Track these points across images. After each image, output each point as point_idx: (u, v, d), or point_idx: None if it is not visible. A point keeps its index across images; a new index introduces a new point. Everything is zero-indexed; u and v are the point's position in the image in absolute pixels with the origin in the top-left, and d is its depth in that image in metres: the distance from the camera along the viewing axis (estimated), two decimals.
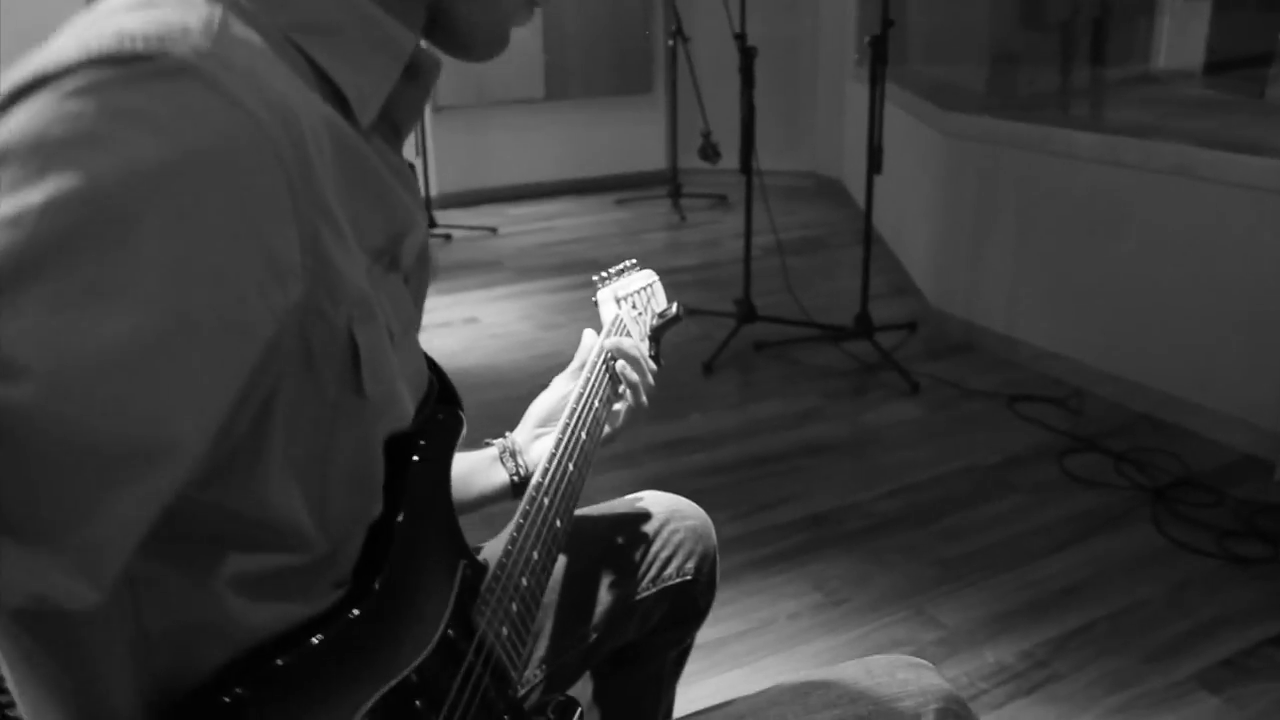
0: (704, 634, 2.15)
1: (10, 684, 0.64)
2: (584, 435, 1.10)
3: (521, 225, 5.82)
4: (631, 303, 1.34)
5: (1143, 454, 2.85)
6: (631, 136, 6.63)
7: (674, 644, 1.35)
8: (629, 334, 1.26)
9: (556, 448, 1.05)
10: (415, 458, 0.78)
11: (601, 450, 1.16)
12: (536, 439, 1.17)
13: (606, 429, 1.18)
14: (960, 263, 3.83)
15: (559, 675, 1.18)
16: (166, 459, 0.51)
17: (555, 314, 4.27)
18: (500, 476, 1.14)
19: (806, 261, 4.80)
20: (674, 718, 1.41)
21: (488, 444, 1.17)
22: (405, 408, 0.73)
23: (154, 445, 0.50)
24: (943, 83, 4.52)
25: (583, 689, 1.34)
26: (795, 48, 6.21)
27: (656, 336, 1.35)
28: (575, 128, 6.46)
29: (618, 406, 1.20)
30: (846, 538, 2.53)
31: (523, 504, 0.98)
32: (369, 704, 0.70)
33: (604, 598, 1.22)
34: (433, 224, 5.50)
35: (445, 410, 0.85)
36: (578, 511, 1.21)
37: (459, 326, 4.16)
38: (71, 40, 0.51)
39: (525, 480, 1.12)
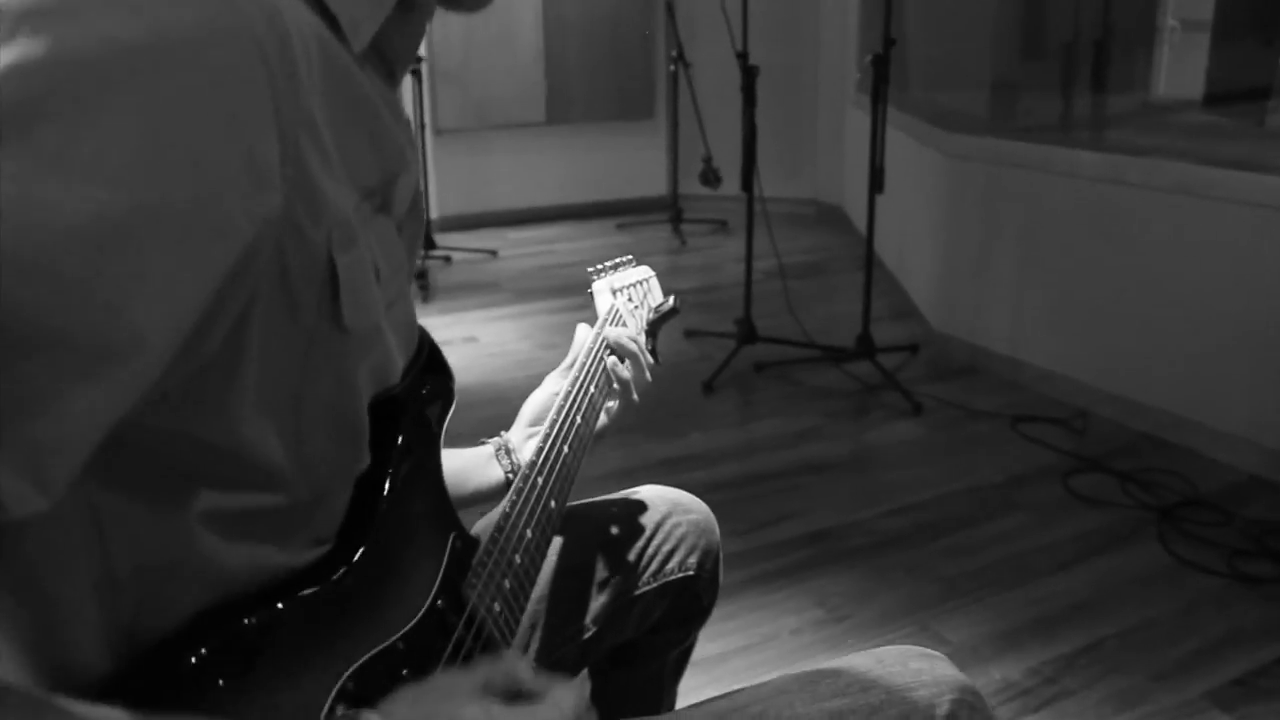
0: (704, 649, 2.11)
1: None
2: (579, 419, 1.07)
3: (521, 248, 5.81)
4: (628, 295, 1.31)
5: (1148, 474, 2.81)
6: (632, 161, 6.63)
7: (676, 643, 1.30)
8: (625, 325, 1.23)
9: (551, 428, 1.02)
10: (404, 420, 0.75)
11: (593, 450, 1.13)
12: (530, 438, 1.14)
13: (603, 419, 1.14)
14: (963, 284, 3.81)
15: (555, 670, 1.13)
16: (129, 356, 0.47)
17: (554, 334, 4.24)
18: (496, 473, 1.11)
19: (807, 286, 4.78)
20: (676, 709, 1.36)
21: (482, 442, 1.14)
22: (390, 354, 0.69)
23: (116, 338, 0.46)
24: (944, 109, 4.52)
25: (582, 689, 1.29)
26: (796, 74, 6.22)
27: (653, 331, 1.32)
28: (576, 152, 6.47)
29: (610, 404, 1.16)
30: (848, 554, 2.48)
31: (516, 482, 0.95)
32: (351, 669, 0.66)
33: (602, 591, 1.18)
34: (433, 246, 5.48)
35: (436, 380, 0.82)
36: (574, 503, 1.17)
37: (458, 345, 4.13)
38: None
39: None
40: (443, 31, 5.88)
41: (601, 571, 1.19)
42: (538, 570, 0.93)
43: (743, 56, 3.51)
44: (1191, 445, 2.96)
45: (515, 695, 0.68)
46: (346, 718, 0.63)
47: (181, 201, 0.48)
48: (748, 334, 3.78)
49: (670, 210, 6.06)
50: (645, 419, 3.24)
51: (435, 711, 0.63)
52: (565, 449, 1.02)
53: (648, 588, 1.20)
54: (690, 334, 4.07)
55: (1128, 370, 3.15)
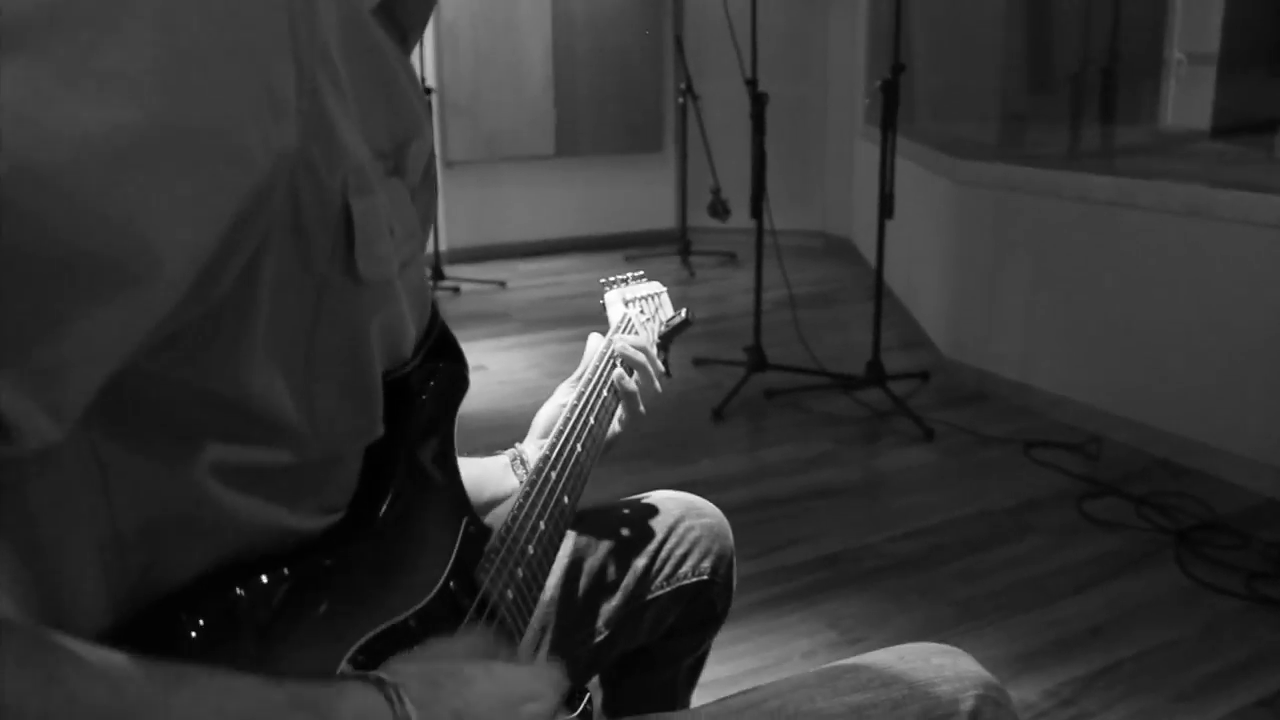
0: (715, 671, 2.08)
1: None
2: (592, 420, 1.06)
3: (530, 280, 5.81)
4: (639, 307, 1.30)
5: (1164, 498, 2.78)
6: (641, 194, 6.66)
7: (689, 650, 1.28)
8: (637, 334, 1.22)
9: (565, 425, 1.02)
10: (418, 399, 0.74)
11: (603, 461, 1.12)
12: (541, 449, 1.13)
13: (615, 427, 1.13)
14: (974, 311, 3.79)
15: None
16: (143, 278, 0.46)
17: (563, 363, 4.23)
18: (511, 482, 1.10)
19: (816, 315, 4.77)
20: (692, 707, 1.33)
21: (497, 453, 1.13)
22: (403, 316, 0.68)
23: (130, 259, 0.45)
24: (954, 137, 4.53)
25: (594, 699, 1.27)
26: (805, 108, 6.25)
27: (665, 344, 1.31)
28: (585, 184, 6.49)
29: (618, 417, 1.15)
30: (861, 577, 2.45)
31: (529, 476, 0.94)
32: (361, 641, 0.64)
33: (614, 594, 1.16)
34: (441, 276, 5.49)
35: (449, 363, 0.81)
36: (586, 507, 1.16)
37: None
38: None
39: None
40: (453, 64, 5.93)
41: (614, 574, 1.17)
42: (550, 563, 0.91)
43: (752, 83, 3.52)
44: (1207, 469, 2.92)
45: None
46: (354, 675, 0.61)
47: (200, 122, 0.47)
48: (757, 361, 3.76)
49: (679, 242, 6.07)
50: (654, 445, 3.22)
51: (436, 668, 0.62)
52: (579, 447, 1.01)
53: (661, 592, 1.18)
54: (699, 362, 4.06)
55: (1141, 395, 3.13)
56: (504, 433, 1.22)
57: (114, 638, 0.55)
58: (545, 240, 6.43)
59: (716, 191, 5.30)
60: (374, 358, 0.65)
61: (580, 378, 1.15)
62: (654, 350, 1.21)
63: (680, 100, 5.63)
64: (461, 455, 0.84)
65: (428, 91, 5.01)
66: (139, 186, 0.45)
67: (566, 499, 0.96)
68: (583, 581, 1.15)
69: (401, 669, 0.62)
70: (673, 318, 1.33)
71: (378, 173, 0.63)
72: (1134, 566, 2.46)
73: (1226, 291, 2.84)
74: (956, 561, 2.51)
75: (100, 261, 0.44)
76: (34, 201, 0.42)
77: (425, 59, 5.73)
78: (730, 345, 4.11)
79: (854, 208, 6.06)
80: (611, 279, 1.34)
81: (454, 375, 0.81)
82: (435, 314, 0.79)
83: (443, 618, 0.73)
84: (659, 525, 1.21)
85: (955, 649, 0.95)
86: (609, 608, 1.15)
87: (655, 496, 1.26)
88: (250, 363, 0.55)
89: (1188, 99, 5.06)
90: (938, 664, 0.91)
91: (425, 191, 0.74)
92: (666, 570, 1.19)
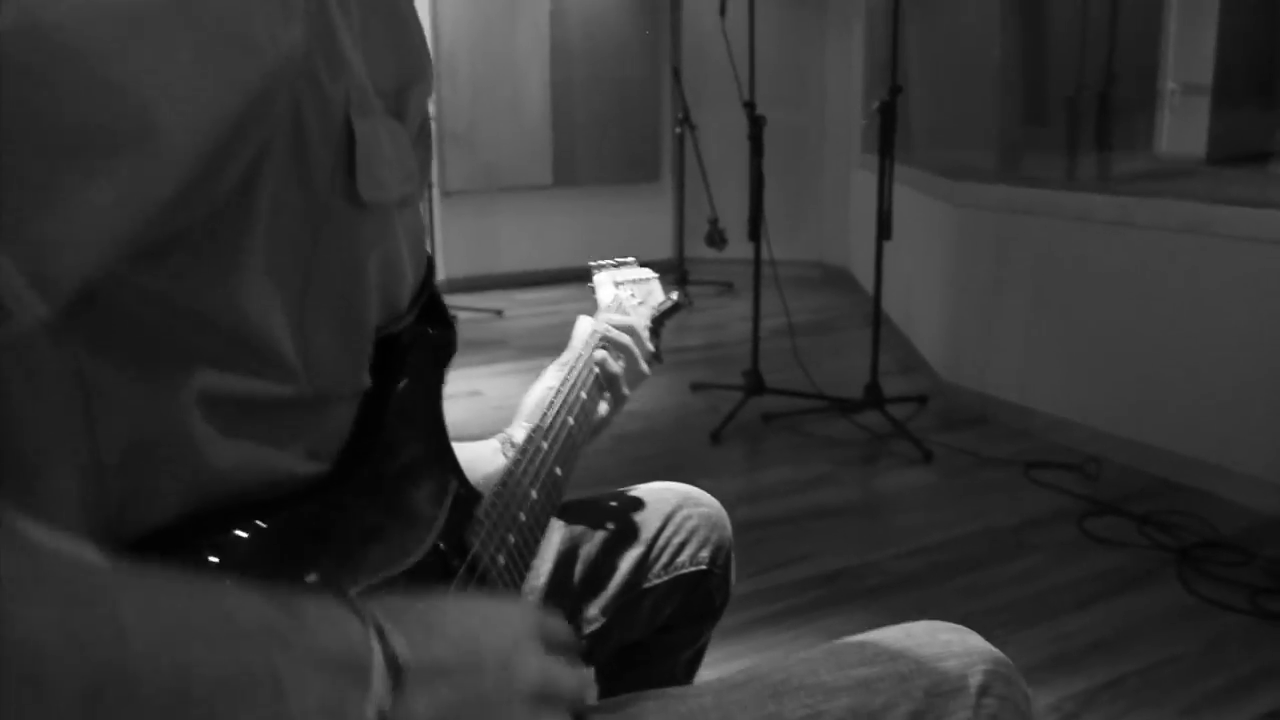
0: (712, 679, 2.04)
1: None
2: (583, 394, 1.05)
3: (527, 309, 5.81)
4: (630, 290, 1.29)
5: (1165, 516, 2.75)
6: (639, 224, 6.67)
7: (687, 643, 1.25)
8: (627, 315, 1.20)
9: (555, 397, 1.00)
10: (407, 357, 0.73)
11: (593, 442, 1.10)
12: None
13: (604, 407, 1.11)
14: (972, 333, 3.78)
15: None
16: (143, 145, 0.45)
17: None
18: (501, 464, 1.07)
19: (814, 342, 4.75)
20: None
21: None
22: (400, 254, 0.66)
23: (127, 124, 0.44)
24: (952, 162, 4.54)
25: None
26: (802, 138, 6.28)
27: (657, 328, 1.29)
28: (583, 214, 6.50)
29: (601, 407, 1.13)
30: (862, 595, 2.42)
31: (520, 443, 0.91)
32: (352, 594, 0.62)
33: (610, 582, 1.14)
34: None
35: (438, 327, 0.79)
36: (581, 494, 1.14)
37: (462, 399, 4.10)
38: None
39: None
40: (451, 94, 5.96)
41: (610, 562, 1.15)
42: (542, 532, 0.89)
43: (750, 105, 3.53)
44: (1208, 488, 2.90)
45: None
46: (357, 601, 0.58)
47: (212, 3, 0.47)
48: (755, 385, 3.74)
49: (676, 272, 6.07)
50: (651, 467, 3.19)
51: (412, 604, 0.59)
52: (570, 419, 1.00)
53: (659, 580, 1.16)
54: (697, 387, 4.03)
55: (1141, 414, 3.11)
56: None
57: None
58: (543, 270, 6.43)
59: (714, 221, 5.31)
60: (370, 298, 0.63)
61: (568, 360, 1.13)
62: (644, 333, 1.19)
63: (678, 130, 5.66)
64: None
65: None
66: (144, 55, 0.44)
67: (559, 470, 0.94)
68: (578, 569, 1.13)
69: (382, 602, 0.60)
70: (663, 302, 1.32)
71: (378, 106, 0.62)
72: (1136, 583, 2.43)
73: (1226, 307, 2.83)
74: (958, 578, 2.48)
75: (95, 126, 0.43)
76: (36, 58, 0.41)
77: None
78: (728, 371, 4.09)
79: (851, 237, 6.07)
80: (602, 262, 1.33)
81: (442, 338, 0.80)
82: (431, 270, 0.78)
83: (432, 577, 0.71)
84: (656, 514, 1.19)
85: (963, 627, 0.92)
86: (605, 596, 1.13)
87: (652, 486, 1.24)
88: (246, 283, 0.54)
89: (1182, 129, 5.08)
90: (945, 639, 0.88)
91: (420, 147, 0.73)
92: (664, 559, 1.17)
